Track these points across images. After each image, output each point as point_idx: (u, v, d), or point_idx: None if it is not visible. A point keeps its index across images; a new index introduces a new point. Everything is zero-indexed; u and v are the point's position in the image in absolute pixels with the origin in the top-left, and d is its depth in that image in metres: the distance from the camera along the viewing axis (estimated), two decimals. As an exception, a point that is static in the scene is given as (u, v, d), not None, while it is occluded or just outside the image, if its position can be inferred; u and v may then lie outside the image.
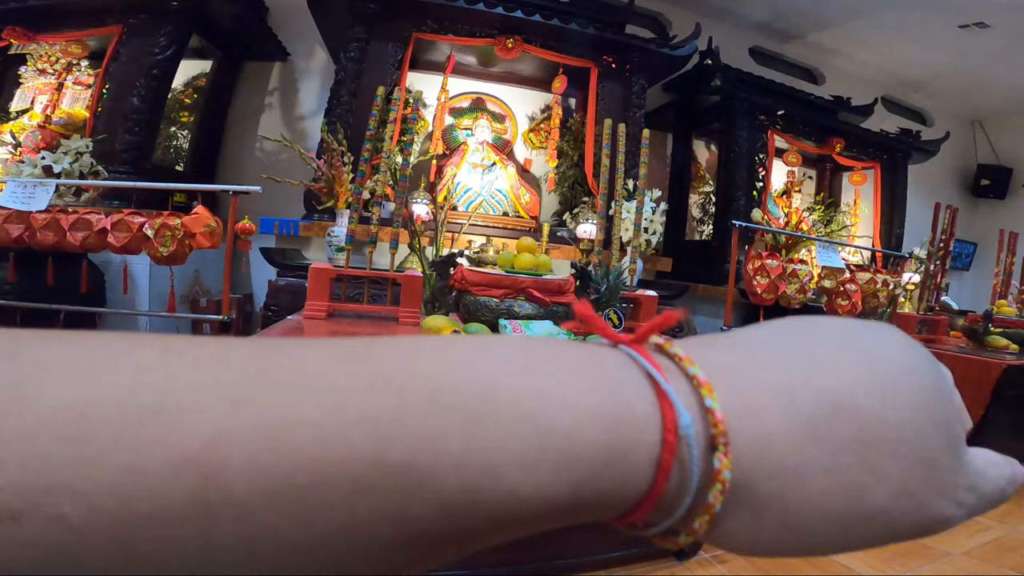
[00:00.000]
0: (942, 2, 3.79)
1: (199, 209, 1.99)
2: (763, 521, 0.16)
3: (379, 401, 0.14)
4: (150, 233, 1.94)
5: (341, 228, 2.07)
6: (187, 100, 3.38)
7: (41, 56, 3.00)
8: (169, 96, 3.07)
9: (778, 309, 1.99)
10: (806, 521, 0.16)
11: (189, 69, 3.27)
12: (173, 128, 3.34)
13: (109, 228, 1.94)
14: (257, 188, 1.90)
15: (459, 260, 1.34)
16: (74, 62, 3.03)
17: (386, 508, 0.13)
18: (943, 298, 3.03)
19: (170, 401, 0.12)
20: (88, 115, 2.84)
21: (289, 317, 1.59)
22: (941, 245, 2.82)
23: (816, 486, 0.16)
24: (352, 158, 2.13)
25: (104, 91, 2.84)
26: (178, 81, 3.16)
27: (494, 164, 3.21)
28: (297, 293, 2.22)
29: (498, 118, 3.39)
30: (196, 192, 2.09)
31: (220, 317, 2.03)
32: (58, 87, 3.01)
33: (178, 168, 3.34)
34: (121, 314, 2.43)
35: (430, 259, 1.58)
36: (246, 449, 0.12)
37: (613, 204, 1.61)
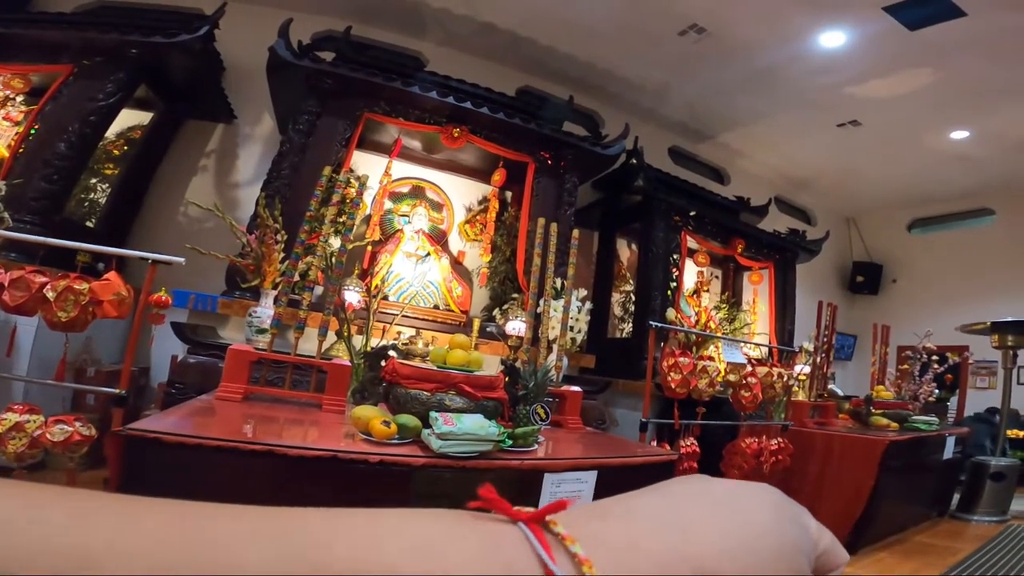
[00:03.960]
0: (826, 102, 4.54)
1: (111, 275, 1.86)
2: None
3: None
4: (51, 295, 1.77)
5: (266, 309, 2.01)
6: (116, 151, 3.21)
7: (-21, 85, 2.79)
8: (98, 145, 2.93)
9: (691, 402, 2.14)
10: None
11: (126, 119, 3.15)
12: (93, 180, 3.14)
13: (6, 285, 1.75)
14: (181, 260, 1.81)
15: (390, 352, 1.35)
16: (11, 96, 2.84)
17: None
18: (830, 386, 3.39)
19: (83, 567, 0.13)
20: (7, 155, 2.63)
21: (200, 397, 1.50)
22: (825, 339, 3.19)
23: None
24: (286, 236, 2.11)
25: (32, 131, 2.67)
26: (111, 131, 3.03)
27: (428, 255, 3.25)
28: (208, 373, 2.07)
29: (436, 206, 3.46)
30: (107, 255, 1.96)
31: (114, 391, 1.84)
32: (-16, 120, 2.79)
33: (89, 224, 3.10)
34: (0, 378, 2.13)
35: (358, 348, 1.57)
36: None
37: (541, 303, 1.71)
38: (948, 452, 3.19)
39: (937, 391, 3.65)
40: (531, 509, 0.21)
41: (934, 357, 3.56)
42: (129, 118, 3.19)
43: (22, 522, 0.13)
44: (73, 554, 0.13)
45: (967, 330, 3.87)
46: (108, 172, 3.20)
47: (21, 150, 2.65)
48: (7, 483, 0.15)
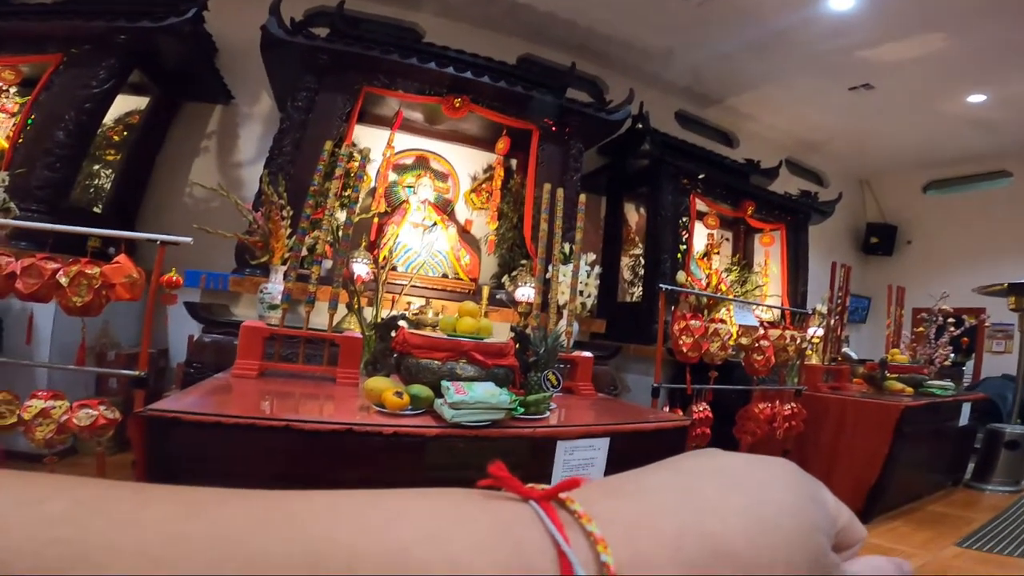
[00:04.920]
0: (836, 65, 4.38)
1: (121, 258, 1.87)
2: None
3: (298, 570, 0.14)
4: (64, 281, 1.79)
5: (276, 285, 2.02)
6: (116, 137, 3.21)
7: (-31, 78, 2.79)
8: (97, 132, 2.92)
9: (703, 366, 2.14)
10: None
11: (123, 105, 3.13)
12: (96, 166, 3.14)
13: (18, 273, 1.77)
14: (189, 240, 1.82)
15: (400, 323, 1.35)
16: (3, 88, 2.83)
17: None
18: (844, 349, 3.36)
19: (86, 558, 0.13)
20: (7, 146, 2.63)
21: (216, 375, 1.52)
22: (839, 301, 3.15)
23: None
24: (292, 212, 2.10)
25: (29, 121, 2.66)
26: (109, 117, 3.01)
27: (435, 224, 3.24)
28: (224, 351, 2.10)
29: (441, 177, 3.44)
30: (116, 239, 1.97)
31: (134, 373, 1.88)
32: (-20, 112, 2.80)
33: (96, 210, 3.12)
34: (23, 365, 2.19)
35: (368, 320, 1.57)
36: None
37: (550, 268, 1.70)
38: (963, 419, 3.15)
39: (952, 355, 3.60)
40: (543, 487, 0.20)
41: (950, 319, 3.50)
42: (126, 104, 3.17)
43: (21, 515, 0.13)
44: (71, 548, 0.13)
45: (984, 291, 3.79)
46: (110, 158, 3.20)
47: (20, 140, 2.65)
48: (7, 474, 0.15)
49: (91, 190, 3.15)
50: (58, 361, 2.38)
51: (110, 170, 3.19)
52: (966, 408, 3.14)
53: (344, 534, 0.16)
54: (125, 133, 3.24)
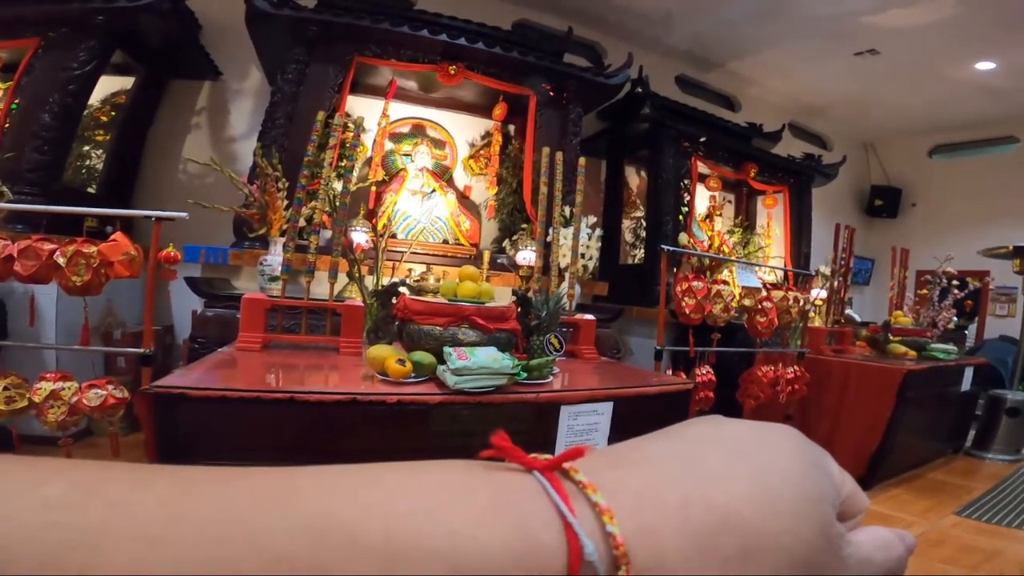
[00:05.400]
0: (841, 31, 4.27)
1: (117, 236, 1.86)
2: None
3: (299, 546, 0.14)
4: (62, 261, 1.78)
5: (275, 256, 2.01)
6: (103, 118, 3.15)
7: (-52, 66, 2.74)
8: (84, 113, 2.87)
9: (705, 328, 2.13)
10: None
11: (108, 85, 3.06)
12: (86, 147, 3.10)
13: (15, 255, 1.77)
14: (184, 214, 1.80)
15: (401, 289, 1.34)
16: None
17: None
18: (847, 311, 3.35)
19: (84, 541, 0.12)
20: None
21: (220, 349, 1.52)
22: (842, 263, 3.13)
23: None
24: (287, 184, 2.07)
25: (13, 106, 2.62)
26: (95, 98, 2.96)
27: (434, 191, 3.22)
28: (227, 324, 2.11)
29: (438, 144, 3.40)
30: (112, 217, 1.96)
31: (140, 351, 1.89)
32: (-37, 100, 2.75)
33: (90, 190, 3.09)
34: (29, 347, 2.21)
35: (369, 288, 1.57)
36: None
37: (551, 231, 1.68)
38: (966, 384, 3.14)
39: (956, 318, 3.58)
40: (547, 457, 0.20)
41: (954, 282, 3.47)
42: (112, 84, 3.11)
43: (18, 499, 0.13)
44: (69, 532, 0.12)
45: (988, 254, 3.76)
46: (100, 139, 3.16)
47: (7, 125, 2.61)
48: (5, 458, 0.15)
49: (83, 171, 3.12)
50: (64, 343, 2.39)
51: (101, 150, 3.15)
52: (968, 373, 3.13)
53: (344, 510, 0.16)
54: (113, 113, 3.18)
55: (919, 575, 1.80)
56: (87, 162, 3.13)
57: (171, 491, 0.15)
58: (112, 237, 1.85)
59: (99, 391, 1.75)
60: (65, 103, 2.65)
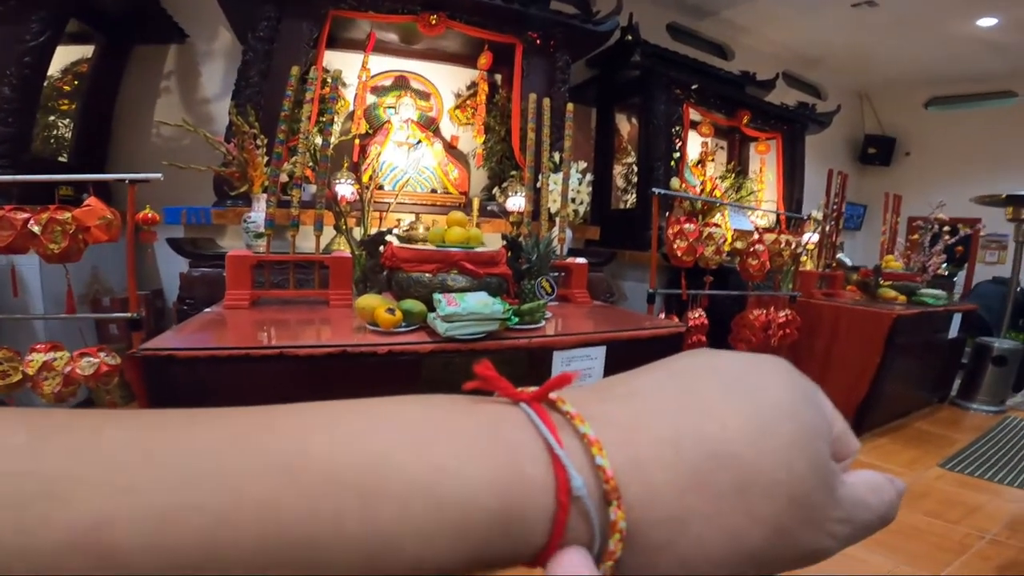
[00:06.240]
0: None
1: (91, 201, 1.80)
2: (659, 565, 0.17)
3: (275, 484, 0.14)
4: (36, 230, 1.74)
5: (259, 213, 1.96)
6: (66, 87, 3.03)
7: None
8: (45, 84, 2.76)
9: (698, 271, 2.12)
10: (695, 564, 0.17)
11: (67, 55, 2.92)
12: (52, 117, 2.99)
13: (-10, 227, 1.71)
14: (158, 175, 1.74)
15: (388, 238, 1.31)
16: None
17: None
18: (839, 255, 3.36)
19: (47, 489, 0.12)
20: None
21: (208, 309, 1.50)
22: (835, 207, 3.11)
23: (699, 532, 0.17)
24: (266, 140, 2.00)
25: None
26: (55, 68, 2.83)
27: (420, 142, 3.14)
28: (215, 284, 2.08)
29: (423, 96, 3.30)
30: (86, 183, 1.89)
31: (128, 315, 1.87)
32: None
33: (61, 159, 3.00)
34: (15, 319, 2.18)
35: (358, 240, 1.54)
36: (138, 530, 0.12)
37: (540, 177, 1.64)
38: (953, 331, 3.16)
39: (946, 264, 3.60)
40: (533, 389, 0.19)
41: (945, 228, 3.48)
42: (71, 53, 2.97)
43: None
44: (29, 480, 0.12)
45: (981, 201, 3.75)
46: (65, 108, 3.04)
47: (-33, 101, 2.50)
48: None
49: (52, 141, 3.02)
50: (51, 313, 2.36)
51: (68, 119, 3.04)
52: (956, 319, 3.14)
53: (320, 445, 0.15)
54: (76, 83, 3.06)
55: (905, 524, 1.85)
56: (55, 132, 3.03)
57: (137, 434, 0.14)
58: (86, 202, 1.80)
59: (91, 359, 1.74)
60: (23, 75, 2.55)
